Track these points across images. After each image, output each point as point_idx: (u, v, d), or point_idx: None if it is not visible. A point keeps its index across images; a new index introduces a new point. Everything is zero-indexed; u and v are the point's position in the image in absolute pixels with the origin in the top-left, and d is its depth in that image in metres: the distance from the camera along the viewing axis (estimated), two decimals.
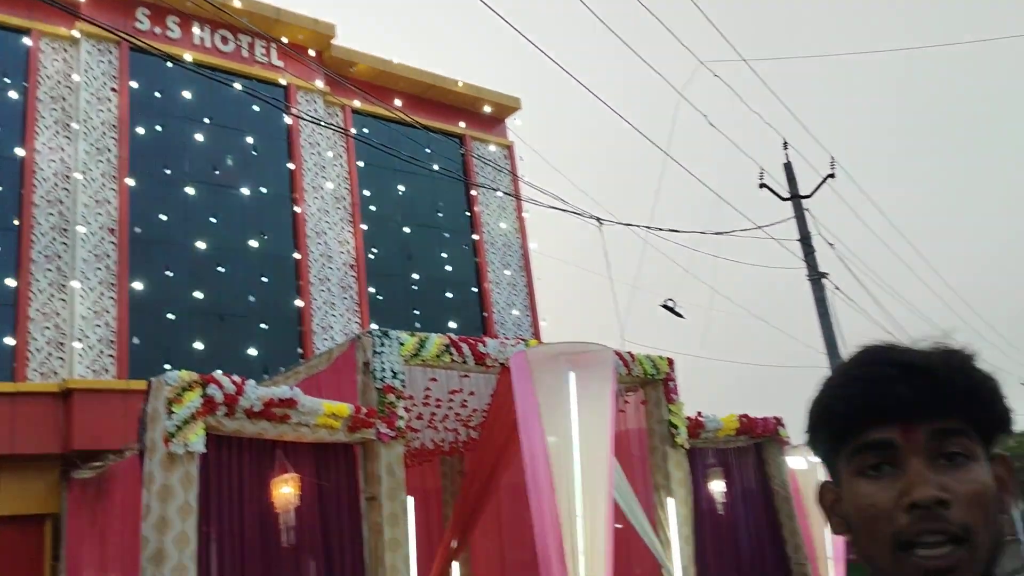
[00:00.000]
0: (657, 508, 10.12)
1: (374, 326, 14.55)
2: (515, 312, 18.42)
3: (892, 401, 0.95)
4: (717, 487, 11.29)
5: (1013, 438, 39.96)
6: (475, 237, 18.39)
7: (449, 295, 17.47)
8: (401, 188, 17.70)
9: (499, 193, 18.39)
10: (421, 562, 9.46)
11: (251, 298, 14.47)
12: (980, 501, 0.93)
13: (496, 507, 12.02)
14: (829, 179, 15.10)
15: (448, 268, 17.69)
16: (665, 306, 12.06)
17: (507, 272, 18.63)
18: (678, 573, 9.65)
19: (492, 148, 19.51)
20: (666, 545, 9.75)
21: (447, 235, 18.05)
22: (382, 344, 7.78)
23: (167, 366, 11.39)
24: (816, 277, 14.12)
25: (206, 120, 15.05)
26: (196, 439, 6.04)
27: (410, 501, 8.10)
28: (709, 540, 10.89)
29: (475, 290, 18.02)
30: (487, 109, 19.42)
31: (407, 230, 17.42)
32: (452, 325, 16.60)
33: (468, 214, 18.64)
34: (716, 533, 11.07)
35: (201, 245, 14.21)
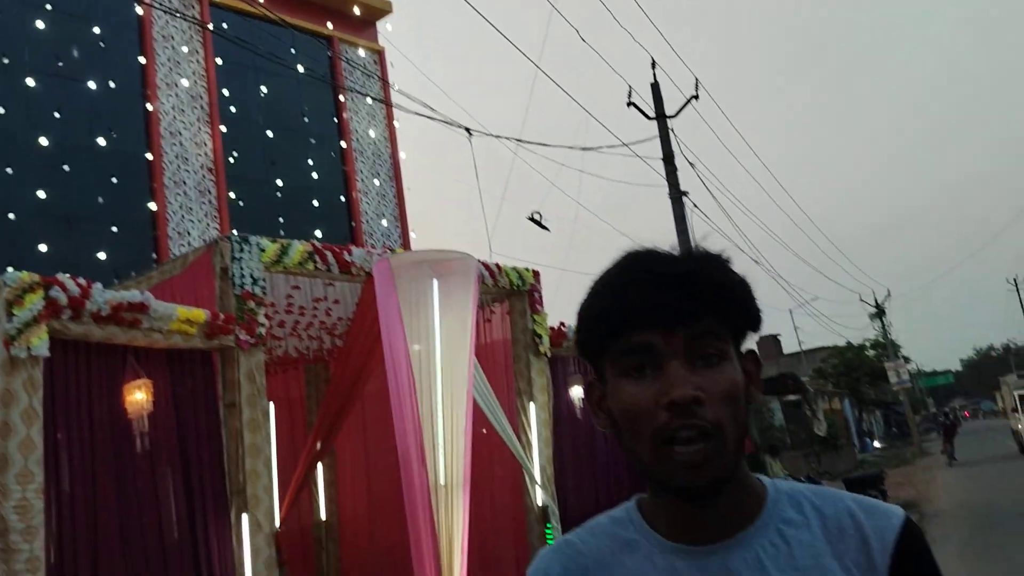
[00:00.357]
0: (520, 413, 10.44)
1: (235, 233, 14.07)
2: (384, 223, 18.21)
3: (653, 308, 1.01)
4: (576, 393, 11.72)
5: (851, 350, 42.84)
6: (343, 144, 17.92)
7: (315, 203, 17.06)
8: (264, 89, 16.95)
9: (368, 99, 17.93)
10: (285, 467, 9.46)
11: (100, 199, 13.70)
12: (730, 398, 1.01)
13: (361, 414, 12.09)
14: (693, 100, 15.45)
15: (314, 175, 17.22)
16: (532, 218, 12.20)
17: (376, 181, 18.33)
18: (537, 472, 10.05)
19: (361, 52, 18.90)
20: (527, 447, 10.10)
21: (313, 141, 17.50)
22: (241, 250, 7.56)
23: (9, 268, 10.73)
24: (677, 195, 14.55)
25: (48, 6, 13.87)
26: (39, 343, 5.76)
27: (271, 407, 8.04)
28: (567, 442, 11.34)
29: (343, 199, 17.66)
30: (356, 11, 18.72)
31: (270, 134, 16.77)
32: (318, 234, 16.28)
33: (336, 120, 18.09)
34: (574, 436, 11.53)
35: (44, 142, 13.26)
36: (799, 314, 74.02)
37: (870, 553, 1.03)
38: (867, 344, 46.88)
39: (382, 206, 18.29)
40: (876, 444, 44.02)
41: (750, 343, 1.15)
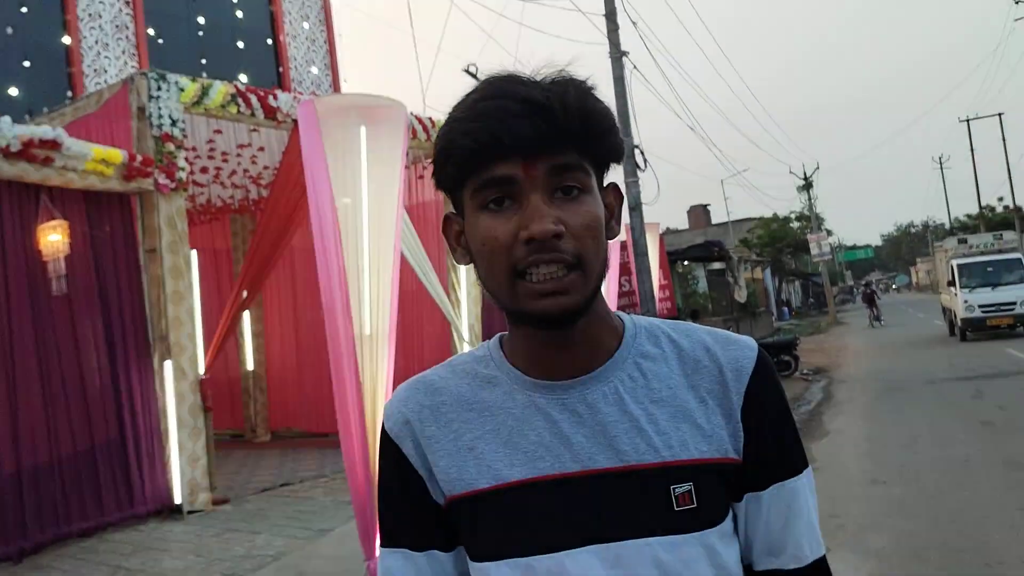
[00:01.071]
0: (450, 271, 10.46)
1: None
2: (314, 70, 17.48)
3: (514, 138, 0.95)
4: None
5: (777, 222, 43.68)
6: None
7: (240, 45, 16.21)
8: None
9: None
10: (211, 317, 9.38)
11: (9, 30, 12.77)
12: (591, 231, 0.98)
13: (290, 266, 11.97)
14: None
15: (239, 14, 16.28)
16: (467, 71, 11.80)
17: (306, 25, 17.45)
18: (466, 330, 10.16)
19: None
20: (456, 305, 10.18)
21: None
22: (159, 88, 7.19)
23: None
24: (617, 55, 14.25)
25: None
26: None
27: (194, 255, 7.87)
28: None
29: (270, 42, 16.82)
30: None
31: None
32: (244, 79, 15.56)
33: None
34: None
35: None
36: (730, 184, 74.95)
37: (725, 383, 1.05)
38: (793, 216, 47.98)
39: (312, 52, 17.51)
40: (793, 313, 45.73)
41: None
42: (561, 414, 1.04)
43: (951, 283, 21.17)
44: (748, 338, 1.12)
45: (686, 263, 25.85)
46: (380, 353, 5.08)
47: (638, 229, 13.34)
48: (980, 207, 49.44)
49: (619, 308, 12.32)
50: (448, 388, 1.11)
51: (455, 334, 10.18)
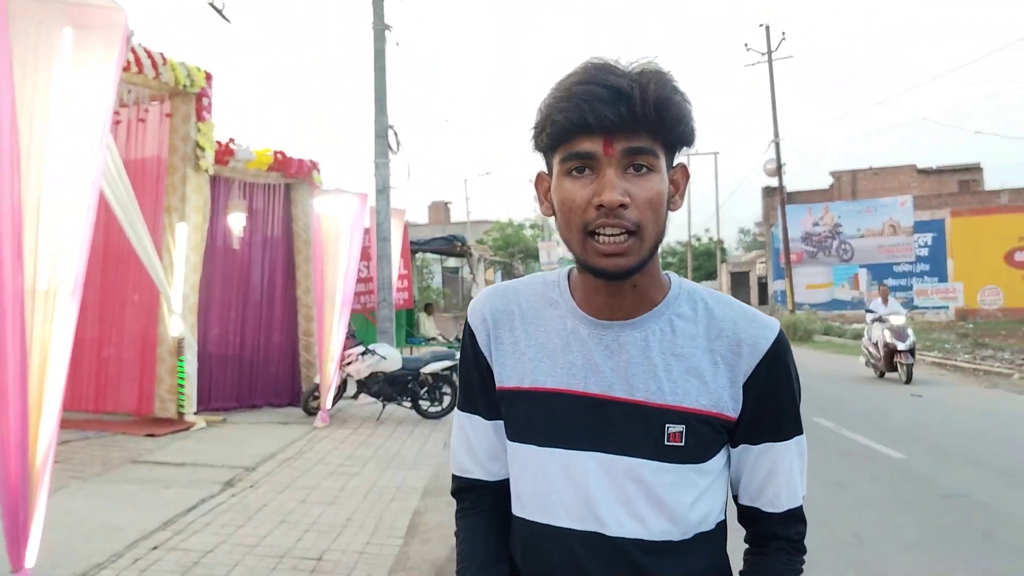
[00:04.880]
0: (165, 231, 9.18)
1: None
2: None
3: (598, 120, 1.16)
4: (237, 221, 10.59)
5: (512, 227, 44.88)
6: None
7: None
8: None
9: None
10: None
11: None
12: (652, 204, 1.20)
13: None
14: None
15: None
16: (212, 5, 10.41)
17: None
18: (177, 300, 8.96)
19: None
20: (168, 270, 8.93)
21: None
22: None
23: None
24: (380, 27, 13.54)
25: None
26: None
27: None
28: (219, 272, 10.28)
29: None
30: None
31: None
32: None
33: None
34: (228, 266, 10.49)
35: None
36: (472, 184, 76.67)
37: (740, 353, 1.26)
38: (527, 224, 49.69)
39: None
40: None
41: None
42: (596, 346, 1.29)
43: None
44: (773, 320, 1.30)
45: (424, 256, 25.56)
46: (57, 314, 4.02)
47: (383, 213, 12.67)
48: (690, 236, 54.13)
49: (356, 295, 11.57)
50: (519, 300, 1.39)
51: (164, 304, 8.94)
